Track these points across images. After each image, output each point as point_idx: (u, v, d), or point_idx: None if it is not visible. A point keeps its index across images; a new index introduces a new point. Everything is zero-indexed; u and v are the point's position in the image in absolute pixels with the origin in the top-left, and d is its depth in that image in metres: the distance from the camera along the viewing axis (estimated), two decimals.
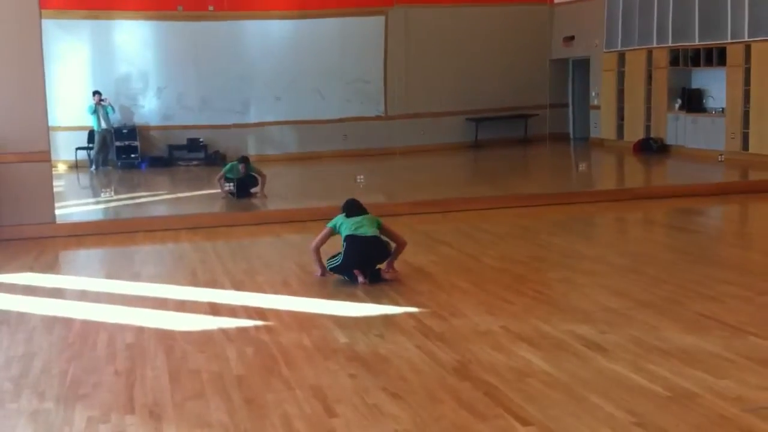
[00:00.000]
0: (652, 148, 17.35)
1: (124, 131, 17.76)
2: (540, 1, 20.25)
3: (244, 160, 12.83)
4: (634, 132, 18.03)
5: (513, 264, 7.93)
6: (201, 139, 18.08)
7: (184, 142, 18.11)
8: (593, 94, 19.67)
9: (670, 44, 17.02)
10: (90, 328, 6.19)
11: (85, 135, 17.64)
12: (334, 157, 18.19)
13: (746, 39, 15.17)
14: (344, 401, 4.59)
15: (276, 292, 7.10)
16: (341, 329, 5.96)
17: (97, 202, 13.30)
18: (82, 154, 17.65)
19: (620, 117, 18.59)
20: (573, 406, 4.42)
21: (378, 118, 18.94)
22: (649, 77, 17.71)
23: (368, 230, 7.27)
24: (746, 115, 15.30)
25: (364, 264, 7.21)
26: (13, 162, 9.99)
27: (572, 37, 19.95)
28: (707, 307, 6.17)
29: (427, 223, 10.09)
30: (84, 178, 16.64)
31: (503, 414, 4.34)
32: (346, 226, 7.32)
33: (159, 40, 18.39)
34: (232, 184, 12.67)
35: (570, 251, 8.55)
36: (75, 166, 17.53)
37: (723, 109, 16.00)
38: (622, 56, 18.45)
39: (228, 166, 12.83)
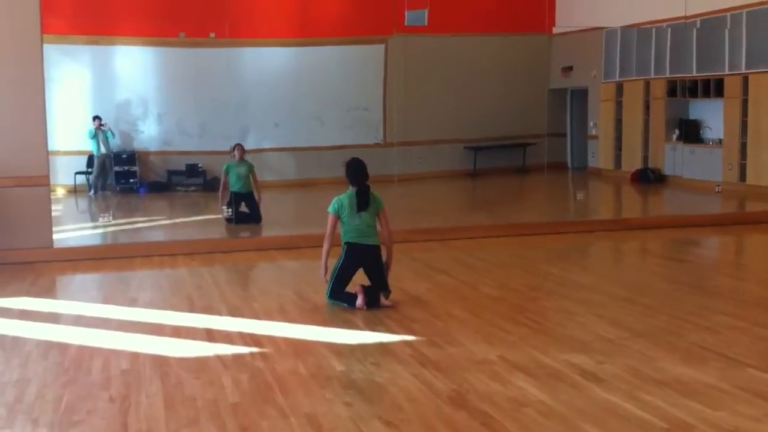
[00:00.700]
0: (649, 179, 17.40)
1: (124, 156, 17.80)
2: (539, 32, 20.36)
3: (238, 146, 12.88)
4: (632, 162, 18.10)
5: (510, 293, 7.93)
6: (200, 165, 18.12)
7: (183, 168, 18.14)
8: (591, 124, 19.76)
9: (667, 75, 17.13)
10: (85, 353, 6.17)
11: (84, 160, 17.68)
12: (332, 183, 18.14)
13: (744, 71, 15.28)
14: (339, 429, 4.57)
15: (272, 319, 7.09)
16: (337, 357, 5.95)
17: (95, 227, 13.29)
18: (81, 179, 17.67)
19: (618, 147, 18.67)
20: None
21: (376, 145, 19.00)
22: (647, 108, 17.81)
23: (369, 239, 7.41)
24: (743, 146, 15.38)
25: (363, 263, 7.41)
26: (11, 186, 10.00)
27: (571, 68, 20.07)
28: (703, 338, 6.17)
29: (425, 251, 10.10)
30: (82, 203, 16.65)
31: None
32: (348, 224, 7.40)
33: (159, 66, 18.49)
34: (230, 210, 12.67)
35: (567, 280, 8.55)
36: (74, 191, 17.54)
37: (720, 140, 16.07)
38: (620, 86, 18.56)
39: (225, 167, 12.83)
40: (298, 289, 8.22)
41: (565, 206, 15.44)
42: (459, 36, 19.66)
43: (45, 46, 10.39)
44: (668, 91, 17.17)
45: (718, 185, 15.47)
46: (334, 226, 7.50)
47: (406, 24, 19.18)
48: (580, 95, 20.22)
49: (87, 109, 17.69)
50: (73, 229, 12.78)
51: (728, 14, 15.67)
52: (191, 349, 6.21)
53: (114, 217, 13.70)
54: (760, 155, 14.97)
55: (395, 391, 5.18)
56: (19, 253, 9.97)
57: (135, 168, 17.85)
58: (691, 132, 16.99)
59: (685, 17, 16.14)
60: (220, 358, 5.95)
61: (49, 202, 10.41)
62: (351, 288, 7.42)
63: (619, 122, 18.63)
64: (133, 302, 7.87)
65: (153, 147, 18.38)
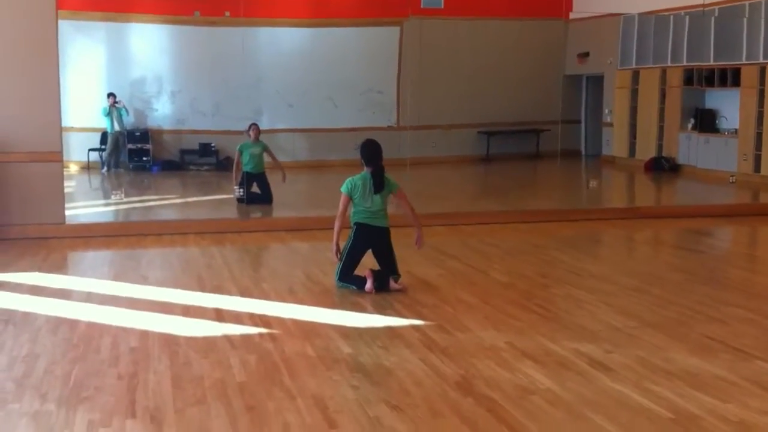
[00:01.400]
0: (663, 167, 17.31)
1: (137, 134, 17.81)
2: (555, 17, 20.23)
3: (253, 125, 12.91)
4: (646, 150, 18.00)
5: (520, 280, 7.91)
6: (213, 145, 18.12)
7: (196, 147, 18.14)
8: (606, 111, 19.65)
9: (684, 63, 17.01)
10: (95, 330, 6.20)
11: (98, 136, 17.70)
12: (344, 166, 18.12)
13: (761, 61, 15.15)
14: (345, 412, 4.58)
15: (281, 300, 7.10)
16: (345, 339, 5.95)
17: (107, 204, 13.33)
18: (95, 156, 17.70)
19: (632, 135, 18.57)
20: (575, 426, 4.41)
21: (390, 128, 18.95)
22: (663, 96, 17.69)
23: (380, 221, 7.43)
24: (759, 137, 15.26)
25: (373, 245, 7.42)
26: (24, 161, 10.03)
27: (587, 54, 19.95)
28: (713, 330, 6.15)
29: (435, 236, 10.08)
30: (95, 180, 16.69)
31: (504, 431, 4.32)
32: (360, 206, 7.40)
33: (174, 45, 18.47)
34: (242, 190, 12.69)
35: (577, 268, 8.52)
36: (87, 168, 17.56)
37: (736, 130, 15.96)
38: (636, 74, 18.44)
39: (239, 146, 12.84)
40: (308, 271, 8.23)
41: (578, 194, 15.38)
42: (475, 19, 19.55)
43: (59, 22, 10.38)
44: (684, 79, 17.05)
45: (733, 176, 15.38)
46: (347, 207, 7.49)
47: (422, 6, 19.14)
48: (596, 82, 20.10)
49: (101, 86, 17.70)
50: (86, 206, 12.83)
51: (747, 3, 15.53)
52: (200, 329, 6.23)
53: (126, 195, 13.74)
54: None
55: (402, 375, 5.18)
56: (32, 228, 10.01)
57: (148, 146, 17.85)
58: (706, 121, 16.88)
59: (703, 5, 16.00)
60: (228, 338, 5.96)
61: (61, 178, 10.43)
62: (360, 271, 7.42)
63: (634, 110, 18.52)
64: (143, 280, 7.90)
65: (166, 125, 18.38)
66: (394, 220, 7.76)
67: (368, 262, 7.53)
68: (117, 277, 8.11)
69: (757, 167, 15.29)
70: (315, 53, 18.65)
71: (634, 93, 18.49)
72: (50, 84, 10.11)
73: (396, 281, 7.35)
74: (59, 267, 8.78)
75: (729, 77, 15.98)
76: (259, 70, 18.39)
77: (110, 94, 17.34)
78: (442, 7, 19.36)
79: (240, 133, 13.89)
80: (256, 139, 12.82)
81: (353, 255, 7.46)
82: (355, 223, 7.47)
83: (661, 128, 17.76)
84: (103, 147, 17.65)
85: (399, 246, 7.74)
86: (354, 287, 7.33)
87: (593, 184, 15.85)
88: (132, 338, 5.97)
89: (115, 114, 17.33)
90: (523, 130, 20.04)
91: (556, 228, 10.85)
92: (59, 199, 10.29)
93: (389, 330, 6.20)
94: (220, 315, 6.63)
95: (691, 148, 16.94)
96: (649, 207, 13.32)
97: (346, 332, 6.16)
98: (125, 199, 13.24)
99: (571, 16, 20.18)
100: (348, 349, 5.72)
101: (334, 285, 7.51)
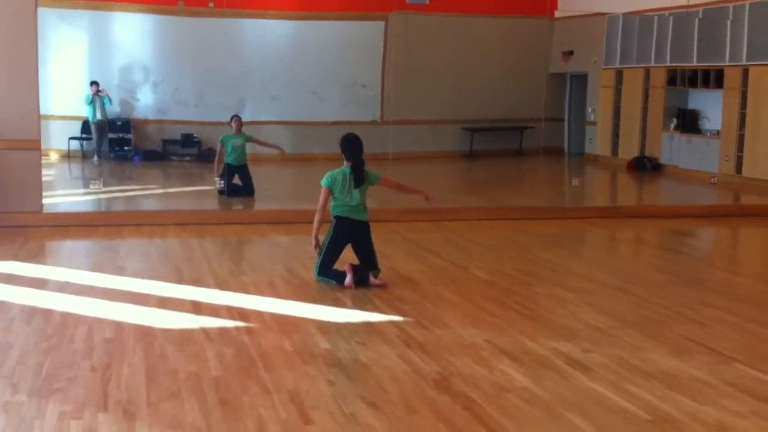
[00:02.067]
0: (645, 167, 17.34)
1: (119, 123, 17.67)
2: (540, 15, 20.22)
3: (235, 117, 12.86)
4: (629, 150, 18.03)
5: (501, 277, 7.88)
6: (195, 135, 18.01)
7: (178, 137, 18.03)
8: (590, 109, 19.67)
9: (668, 64, 17.03)
10: (69, 320, 6.12)
11: (78, 125, 17.56)
12: (327, 159, 18.05)
13: (744, 62, 15.19)
14: (321, 408, 4.53)
15: (260, 294, 7.04)
16: (323, 334, 5.91)
17: (87, 194, 13.21)
18: (75, 144, 17.56)
19: (615, 134, 18.59)
20: (551, 425, 4.38)
21: (373, 122, 18.89)
22: (646, 96, 17.72)
23: (359, 215, 7.37)
24: (741, 138, 15.31)
25: (352, 239, 7.36)
26: (2, 149, 9.92)
27: (571, 52, 19.96)
28: (693, 331, 6.13)
29: (417, 232, 10.04)
30: (76, 169, 16.55)
31: (480, 429, 4.29)
32: (339, 200, 7.34)
33: (157, 34, 18.33)
34: (222, 182, 12.61)
35: (559, 267, 8.51)
36: (67, 156, 17.43)
37: (718, 131, 16.01)
38: (620, 73, 18.46)
39: (221, 138, 12.76)
40: (289, 264, 8.17)
41: (561, 192, 15.39)
42: (460, 16, 19.50)
43: (42, 9, 10.30)
44: (668, 79, 17.08)
45: (714, 176, 15.42)
46: (327, 200, 7.44)
47: (407, 2, 19.09)
48: (580, 80, 20.11)
49: (83, 74, 17.55)
50: (65, 194, 12.70)
51: (731, 5, 15.55)
52: (176, 321, 6.16)
53: (106, 185, 13.63)
54: (757, 148, 14.91)
55: (380, 371, 5.14)
56: (9, 216, 9.90)
57: (130, 136, 17.73)
58: (689, 122, 16.92)
59: (688, 6, 16.03)
60: (205, 331, 5.90)
61: (39, 166, 10.34)
62: (340, 266, 7.37)
63: (617, 109, 18.54)
64: (120, 271, 7.81)
65: (148, 115, 18.25)
66: (374, 214, 7.72)
67: (348, 258, 7.48)
68: (94, 268, 8.02)
69: (739, 168, 15.34)
70: (299, 46, 18.56)
71: (618, 92, 18.51)
72: (29, 72, 10.00)
73: (375, 276, 7.30)
74: (35, 256, 8.68)
75: (712, 78, 16.01)
76: (243, 62, 18.30)
77: (93, 83, 17.19)
78: (428, 2, 19.32)
79: (222, 124, 13.83)
80: (238, 131, 12.74)
81: (333, 249, 7.40)
82: (335, 217, 7.42)
83: (644, 128, 17.78)
84: (83, 136, 17.50)
85: (380, 242, 7.70)
86: (333, 282, 7.28)
87: (576, 182, 15.87)
88: (107, 329, 5.90)
89: (98, 103, 17.18)
90: (506, 126, 20.03)
91: (539, 225, 10.83)
92: (37, 187, 10.19)
93: (368, 325, 6.16)
94: (197, 307, 6.56)
95: (673, 149, 16.98)
96: (632, 206, 13.32)
97: (325, 327, 6.11)
98: (104, 189, 13.12)
99: (557, 14, 20.19)
100: (326, 344, 5.67)
101: (314, 279, 7.45)
